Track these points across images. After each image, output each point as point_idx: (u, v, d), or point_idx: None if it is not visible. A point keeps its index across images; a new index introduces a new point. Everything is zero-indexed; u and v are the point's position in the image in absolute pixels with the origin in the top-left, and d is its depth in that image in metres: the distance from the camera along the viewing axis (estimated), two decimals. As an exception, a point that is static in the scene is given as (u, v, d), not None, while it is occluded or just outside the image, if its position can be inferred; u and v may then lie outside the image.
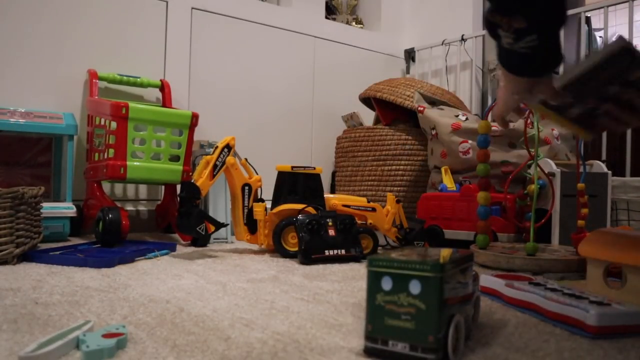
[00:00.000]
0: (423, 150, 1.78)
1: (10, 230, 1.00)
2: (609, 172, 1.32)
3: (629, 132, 1.62)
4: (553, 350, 0.55)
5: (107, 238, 1.24)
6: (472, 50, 2.15)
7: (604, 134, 1.67)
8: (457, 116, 1.64)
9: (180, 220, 1.17)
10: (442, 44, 2.21)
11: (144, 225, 1.69)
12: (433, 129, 1.63)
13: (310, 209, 1.22)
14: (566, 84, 0.67)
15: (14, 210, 1.01)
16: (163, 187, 1.66)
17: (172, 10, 1.79)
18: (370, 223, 1.29)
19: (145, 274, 0.95)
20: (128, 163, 1.33)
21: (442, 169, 1.52)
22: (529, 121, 1.31)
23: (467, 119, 1.62)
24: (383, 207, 1.32)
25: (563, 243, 1.23)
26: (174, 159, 1.44)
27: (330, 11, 2.48)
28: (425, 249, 0.60)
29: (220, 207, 1.47)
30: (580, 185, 1.10)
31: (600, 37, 2.84)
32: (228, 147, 1.24)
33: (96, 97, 1.52)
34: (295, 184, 1.25)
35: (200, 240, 1.35)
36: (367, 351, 0.51)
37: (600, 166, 1.34)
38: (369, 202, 1.31)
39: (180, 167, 1.42)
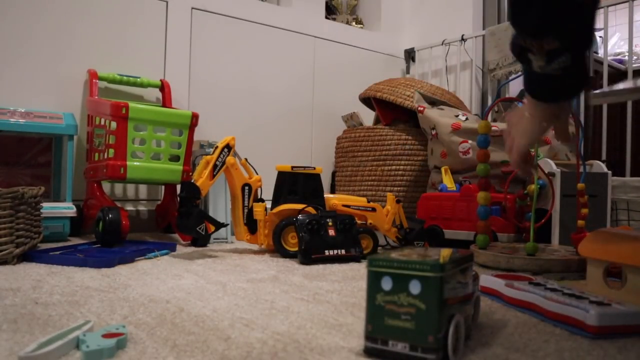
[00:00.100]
0: (423, 150, 1.78)
1: (10, 230, 1.00)
2: (609, 172, 1.32)
3: (628, 132, 1.62)
4: (553, 350, 0.55)
5: (107, 238, 1.24)
6: (472, 50, 2.15)
7: (604, 134, 1.67)
8: (457, 116, 1.64)
9: (180, 220, 1.17)
10: (442, 44, 2.21)
11: (144, 225, 1.69)
12: (433, 129, 1.63)
13: (310, 209, 1.22)
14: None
15: (14, 210, 1.01)
16: (163, 187, 1.66)
17: (172, 10, 1.79)
18: (370, 223, 1.29)
19: (145, 274, 0.94)
20: (128, 163, 1.33)
21: (442, 169, 1.52)
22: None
23: (467, 119, 1.62)
24: (383, 207, 1.32)
25: (563, 243, 1.23)
26: (174, 159, 1.44)
27: (330, 11, 2.48)
28: (425, 249, 0.60)
29: (220, 207, 1.47)
30: (580, 185, 1.10)
31: (600, 37, 2.84)
32: (228, 147, 1.24)
33: (96, 97, 1.52)
34: (295, 184, 1.25)
35: (200, 240, 1.35)
36: (367, 351, 0.51)
37: (600, 166, 1.34)
38: (369, 202, 1.31)
39: (180, 167, 1.42)
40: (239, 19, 1.94)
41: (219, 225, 1.22)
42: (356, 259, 1.17)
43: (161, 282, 0.87)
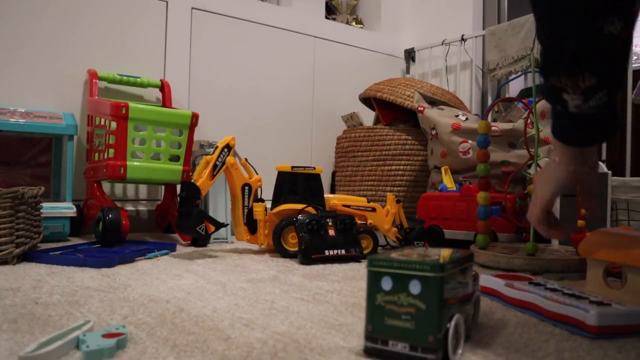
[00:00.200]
0: (423, 150, 1.78)
1: (10, 230, 1.00)
2: (609, 172, 1.32)
3: (629, 132, 1.62)
4: (553, 350, 0.55)
5: (107, 238, 1.24)
6: (472, 50, 2.15)
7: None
8: (457, 116, 1.64)
9: (180, 220, 1.17)
10: (442, 44, 2.21)
11: (144, 225, 1.69)
12: (433, 129, 1.63)
13: (310, 209, 1.22)
14: None
15: (14, 210, 1.01)
16: (163, 187, 1.66)
17: (172, 10, 1.79)
18: (370, 223, 1.29)
19: (145, 274, 0.94)
20: (128, 163, 1.33)
21: (442, 169, 1.52)
22: (529, 121, 1.31)
23: (467, 119, 1.62)
24: (383, 207, 1.32)
25: (563, 243, 1.23)
26: (174, 159, 1.44)
27: (330, 11, 2.48)
28: (425, 249, 0.60)
29: (220, 207, 1.47)
30: (580, 185, 1.10)
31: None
32: (228, 147, 1.24)
33: (96, 97, 1.52)
34: (295, 184, 1.25)
35: (200, 240, 1.35)
36: (367, 351, 0.51)
37: (600, 166, 1.34)
38: (369, 202, 1.31)
39: (180, 167, 1.42)
40: (239, 19, 1.94)
41: (219, 225, 1.22)
42: (356, 259, 1.17)
43: (161, 282, 0.87)
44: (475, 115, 1.83)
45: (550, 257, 1.04)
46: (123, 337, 0.53)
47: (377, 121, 2.00)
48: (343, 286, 0.88)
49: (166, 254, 1.19)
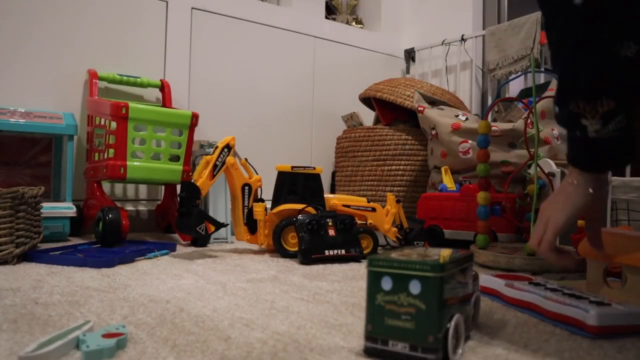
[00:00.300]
0: (423, 150, 1.78)
1: (10, 230, 1.00)
2: (609, 172, 1.32)
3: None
4: (553, 350, 0.55)
5: (107, 238, 1.23)
6: (472, 50, 2.15)
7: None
8: (457, 116, 1.64)
9: (180, 220, 1.17)
10: (442, 44, 2.21)
11: (144, 225, 1.69)
12: (433, 129, 1.63)
13: (310, 209, 1.22)
14: None
15: (14, 210, 1.01)
16: (163, 187, 1.66)
17: (172, 10, 1.79)
18: (370, 223, 1.29)
19: (145, 274, 0.94)
20: (128, 163, 1.33)
21: (442, 169, 1.52)
22: (529, 121, 1.31)
23: (467, 119, 1.62)
24: (383, 207, 1.32)
25: (563, 243, 1.23)
26: (174, 159, 1.44)
27: (330, 11, 2.48)
28: (425, 249, 0.60)
29: (220, 207, 1.47)
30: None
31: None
32: (228, 147, 1.24)
33: (96, 97, 1.52)
34: (295, 184, 1.25)
35: (200, 240, 1.35)
36: (367, 351, 0.51)
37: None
38: (369, 202, 1.31)
39: (180, 167, 1.42)
40: (239, 19, 1.94)
41: (219, 225, 1.22)
42: (356, 259, 1.17)
43: (161, 282, 0.87)
44: (475, 115, 1.83)
45: (550, 257, 1.04)
46: (123, 337, 0.53)
47: (377, 121, 2.00)
48: (343, 286, 0.88)
49: (166, 254, 1.19)
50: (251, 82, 1.98)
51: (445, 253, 0.55)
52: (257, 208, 1.22)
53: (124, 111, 1.33)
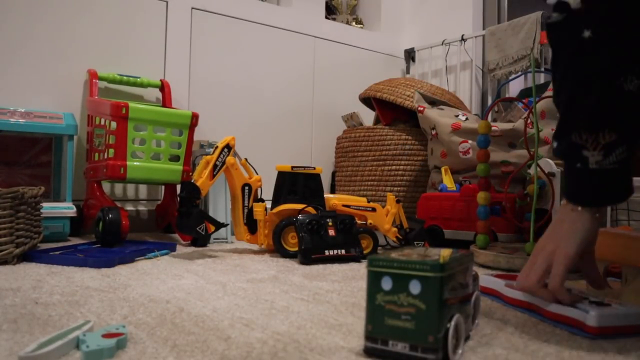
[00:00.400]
0: (423, 150, 1.78)
1: (10, 230, 1.00)
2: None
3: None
4: (553, 350, 0.55)
5: (107, 238, 1.24)
6: (472, 50, 2.15)
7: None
8: (457, 116, 1.64)
9: (180, 220, 1.17)
10: (442, 44, 2.21)
11: (144, 225, 1.69)
12: (433, 129, 1.63)
13: (310, 209, 1.22)
14: None
15: (14, 210, 1.01)
16: (163, 187, 1.66)
17: (172, 10, 1.79)
18: (370, 223, 1.29)
19: (145, 274, 0.94)
20: (128, 163, 1.33)
21: (442, 169, 1.52)
22: (529, 121, 1.31)
23: (467, 119, 1.62)
24: (383, 207, 1.32)
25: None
26: (174, 159, 1.44)
27: (330, 11, 2.48)
28: (425, 249, 0.60)
29: (220, 207, 1.47)
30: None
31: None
32: (228, 147, 1.24)
33: (96, 97, 1.52)
34: (295, 184, 1.25)
35: (200, 240, 1.35)
36: (367, 351, 0.51)
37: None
38: (369, 202, 1.31)
39: (180, 167, 1.42)
40: (238, 19, 1.94)
41: (219, 225, 1.22)
42: (356, 259, 1.17)
43: (161, 282, 0.87)
44: (475, 115, 1.83)
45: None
46: (123, 337, 0.53)
47: (377, 121, 2.00)
48: (343, 286, 0.88)
49: (166, 254, 1.19)
50: (251, 82, 1.98)
51: (445, 253, 0.55)
52: (257, 208, 1.22)
53: (124, 111, 1.33)
